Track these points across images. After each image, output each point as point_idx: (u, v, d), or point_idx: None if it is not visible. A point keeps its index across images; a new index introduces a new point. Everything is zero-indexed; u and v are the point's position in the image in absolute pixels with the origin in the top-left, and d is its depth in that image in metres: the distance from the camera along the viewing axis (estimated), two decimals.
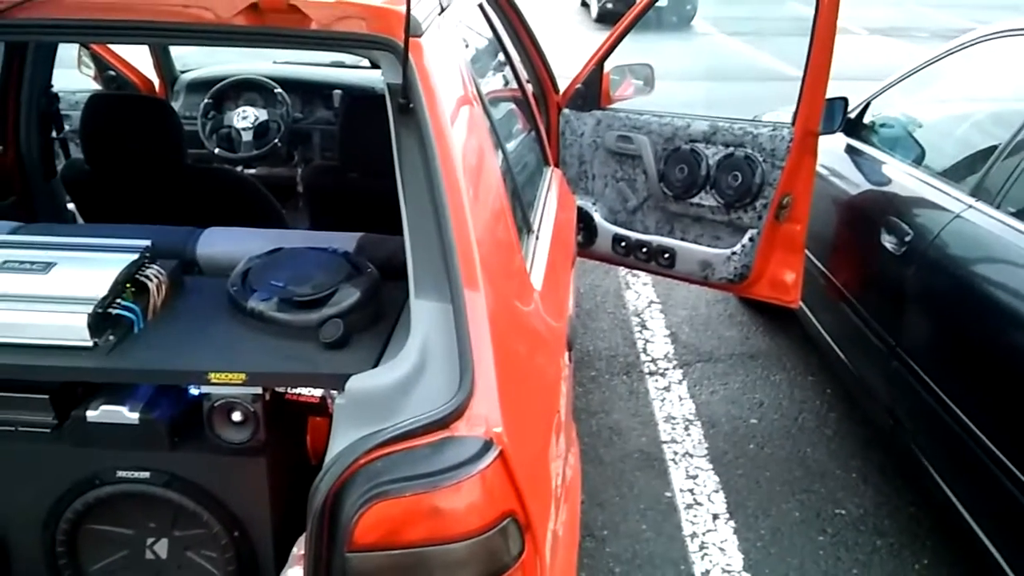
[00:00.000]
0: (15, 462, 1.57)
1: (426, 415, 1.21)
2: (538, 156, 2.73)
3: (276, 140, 3.59)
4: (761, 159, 2.88)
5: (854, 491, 2.94)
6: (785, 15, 12.07)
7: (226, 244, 1.84)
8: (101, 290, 1.48)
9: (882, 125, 3.33)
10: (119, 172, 2.38)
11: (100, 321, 1.46)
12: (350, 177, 2.47)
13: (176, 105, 3.91)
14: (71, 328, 1.43)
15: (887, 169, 3.07)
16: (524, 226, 1.98)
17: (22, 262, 1.54)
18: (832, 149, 3.31)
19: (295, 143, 3.75)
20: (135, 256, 1.58)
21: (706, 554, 2.64)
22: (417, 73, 1.42)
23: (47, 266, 1.54)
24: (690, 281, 3.23)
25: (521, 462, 1.26)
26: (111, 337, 1.47)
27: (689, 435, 3.24)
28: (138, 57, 3.94)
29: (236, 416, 1.50)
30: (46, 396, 1.53)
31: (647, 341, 3.95)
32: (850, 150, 3.34)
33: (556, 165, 3.06)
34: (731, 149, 2.94)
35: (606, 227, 3.30)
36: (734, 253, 2.99)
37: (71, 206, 2.73)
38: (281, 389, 1.55)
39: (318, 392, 1.56)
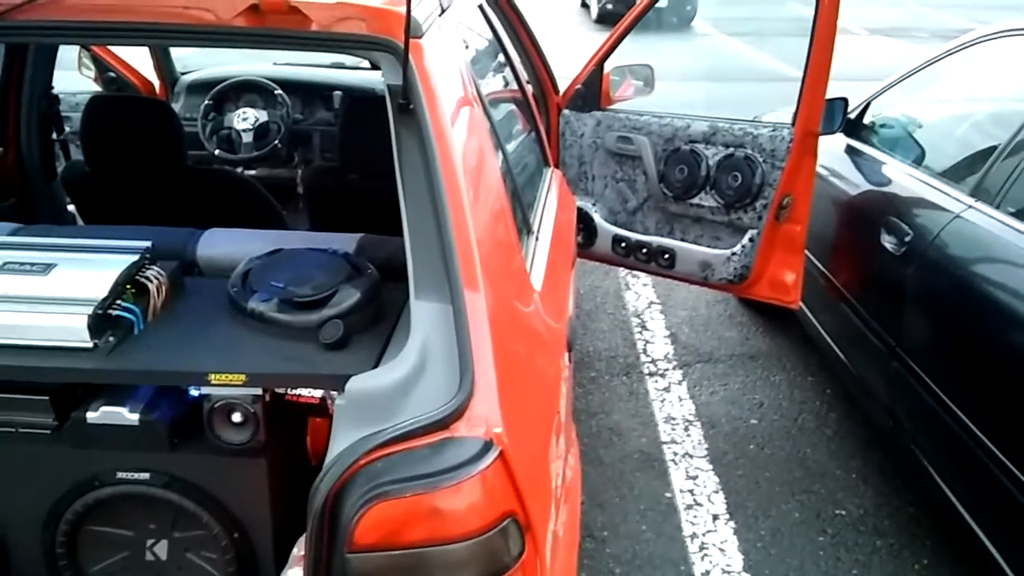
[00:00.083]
0: (15, 463, 1.57)
1: (426, 416, 1.21)
2: (538, 157, 2.73)
3: (276, 141, 3.59)
4: (761, 160, 2.88)
5: (854, 491, 2.94)
6: (785, 16, 12.07)
7: (226, 245, 1.84)
8: (101, 291, 1.48)
9: (882, 125, 3.33)
10: (119, 173, 2.38)
11: (100, 322, 1.46)
12: (350, 178, 2.47)
13: (176, 106, 3.91)
14: (71, 329, 1.44)
15: (887, 169, 3.07)
16: (524, 227, 1.98)
17: (22, 263, 1.54)
18: (832, 149, 3.31)
19: (295, 144, 3.75)
20: (135, 257, 1.59)
21: (706, 555, 2.64)
22: (417, 74, 1.42)
23: (47, 267, 1.54)
24: (690, 282, 3.23)
25: (521, 463, 1.26)
26: (111, 338, 1.47)
27: (689, 436, 3.24)
28: (138, 59, 3.94)
29: (236, 417, 1.50)
30: (46, 397, 1.53)
31: (647, 342, 3.95)
32: (850, 150, 3.34)
33: (556, 166, 3.06)
34: (731, 150, 2.94)
35: (606, 228, 3.30)
36: (734, 254, 2.99)
37: (71, 207, 2.73)
38: (281, 390, 1.55)
39: (318, 393, 1.56)
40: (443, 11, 1.70)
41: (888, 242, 2.74)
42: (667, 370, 3.71)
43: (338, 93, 3.82)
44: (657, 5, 3.06)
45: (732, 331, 4.06)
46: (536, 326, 1.67)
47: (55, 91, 2.83)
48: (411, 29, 1.38)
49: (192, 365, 1.45)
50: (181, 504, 1.56)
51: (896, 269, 2.68)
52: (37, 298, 1.47)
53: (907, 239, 2.65)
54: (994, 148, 2.56)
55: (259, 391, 1.48)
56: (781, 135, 2.83)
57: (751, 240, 2.95)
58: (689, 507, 2.85)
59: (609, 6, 13.86)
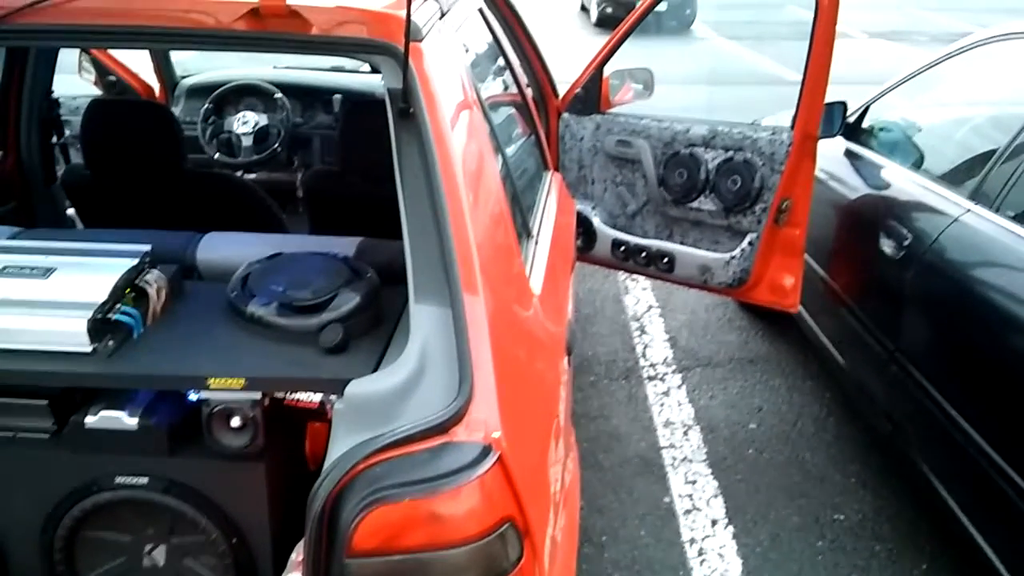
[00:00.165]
0: (14, 467, 1.57)
1: (425, 420, 1.21)
2: (538, 160, 2.73)
3: (276, 145, 3.60)
4: (760, 163, 2.88)
5: (853, 496, 2.94)
6: (784, 19, 12.10)
7: (226, 249, 1.84)
8: (101, 295, 1.48)
9: (881, 129, 3.33)
10: (119, 177, 2.38)
11: (100, 326, 1.46)
12: (350, 182, 2.47)
13: (176, 110, 3.92)
14: (71, 333, 1.43)
15: (886, 173, 3.07)
16: (524, 230, 1.98)
17: (22, 267, 1.54)
18: (831, 153, 3.31)
19: (295, 148, 3.75)
20: (135, 261, 1.59)
21: (705, 560, 2.64)
22: (417, 78, 1.42)
23: (47, 271, 1.54)
24: (689, 285, 3.23)
25: (520, 467, 1.26)
26: (110, 342, 1.47)
27: (688, 440, 3.24)
28: (139, 62, 3.94)
29: (235, 422, 1.49)
30: (45, 402, 1.53)
31: (646, 346, 3.95)
32: (849, 154, 3.34)
33: (556, 169, 3.06)
34: (730, 153, 2.95)
35: (605, 231, 3.30)
36: (733, 257, 2.99)
37: (71, 211, 2.73)
38: (280, 394, 1.55)
39: (317, 397, 1.56)
40: (443, 15, 1.71)
41: (887, 246, 2.74)
42: (666, 374, 3.71)
43: (338, 97, 3.82)
44: (656, 9, 3.06)
45: (731, 335, 4.06)
46: (535, 330, 1.67)
47: (55, 95, 2.84)
48: (411, 33, 1.38)
49: (191, 369, 1.45)
50: (179, 509, 1.56)
51: (895, 273, 2.68)
52: (37, 302, 1.47)
53: (906, 243, 2.65)
54: (993, 152, 2.56)
55: (258, 395, 1.48)
56: (780, 139, 2.83)
57: (750, 244, 2.95)
58: (688, 512, 2.85)
59: (608, 10, 13.88)
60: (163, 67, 4.01)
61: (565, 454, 1.88)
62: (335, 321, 1.48)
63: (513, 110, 2.69)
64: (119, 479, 1.55)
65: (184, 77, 4.12)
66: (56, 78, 2.82)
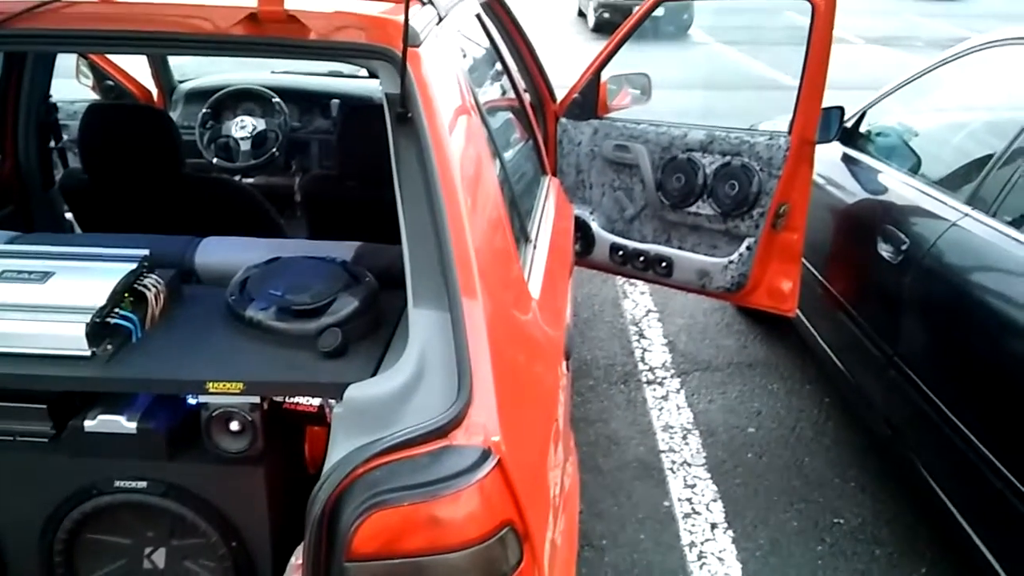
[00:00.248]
0: (13, 471, 1.57)
1: (424, 424, 1.21)
2: (536, 165, 2.73)
3: (274, 149, 3.60)
4: (758, 168, 2.88)
5: (852, 500, 2.94)
6: (781, 25, 12.13)
7: (224, 253, 1.84)
8: (99, 300, 1.48)
9: (878, 134, 3.34)
10: (117, 182, 2.38)
11: (98, 330, 1.46)
12: (348, 186, 2.47)
13: (174, 115, 3.92)
14: (69, 337, 1.43)
15: (883, 178, 3.08)
16: (522, 235, 1.98)
17: (20, 272, 1.54)
18: (828, 158, 3.32)
19: (293, 152, 3.75)
20: (133, 266, 1.59)
21: (704, 564, 2.64)
22: (415, 82, 1.43)
23: (45, 276, 1.53)
24: (687, 290, 3.24)
25: (519, 471, 1.26)
26: (109, 346, 1.47)
27: (687, 444, 3.24)
28: (136, 67, 3.95)
29: (234, 425, 1.50)
30: (44, 406, 1.53)
31: (645, 350, 3.95)
32: (846, 159, 3.35)
33: (554, 174, 3.07)
34: (728, 158, 2.95)
35: (604, 236, 3.31)
36: (731, 262, 3.00)
37: (69, 216, 2.73)
38: (279, 398, 1.55)
39: (316, 401, 1.56)
40: (441, 20, 1.71)
41: (885, 250, 2.74)
42: (665, 378, 3.71)
43: (336, 101, 3.83)
44: (654, 14, 3.07)
45: (730, 339, 4.06)
46: (534, 334, 1.67)
47: (53, 99, 2.84)
48: (409, 38, 1.38)
49: (190, 373, 1.45)
50: (179, 512, 1.56)
51: (893, 277, 2.68)
52: (35, 306, 1.47)
53: (904, 247, 2.65)
54: (990, 156, 2.57)
55: (257, 399, 1.48)
56: (778, 144, 2.84)
57: (748, 248, 2.96)
58: (687, 516, 2.85)
59: (606, 15, 13.92)
60: (161, 72, 4.02)
61: (564, 458, 1.88)
62: (334, 325, 1.49)
63: (511, 115, 2.69)
64: (118, 483, 1.55)
65: (182, 82, 4.12)
66: (54, 82, 2.82)
